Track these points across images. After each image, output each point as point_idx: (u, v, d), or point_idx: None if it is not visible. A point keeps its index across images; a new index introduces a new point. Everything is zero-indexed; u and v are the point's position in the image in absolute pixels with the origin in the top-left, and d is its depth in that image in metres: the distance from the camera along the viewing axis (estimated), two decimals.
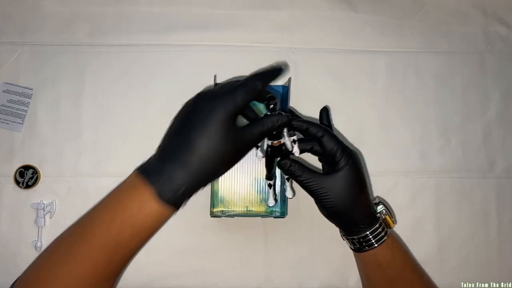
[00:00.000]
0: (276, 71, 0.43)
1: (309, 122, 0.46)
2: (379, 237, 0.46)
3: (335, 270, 0.56)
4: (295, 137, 0.45)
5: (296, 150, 0.45)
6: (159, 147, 0.40)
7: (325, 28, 0.61)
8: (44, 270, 0.39)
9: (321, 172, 0.47)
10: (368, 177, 0.57)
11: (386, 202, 0.57)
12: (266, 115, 0.42)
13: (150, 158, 0.40)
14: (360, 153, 0.58)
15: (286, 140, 0.44)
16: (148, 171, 0.39)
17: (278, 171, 0.53)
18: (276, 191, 0.53)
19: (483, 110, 0.61)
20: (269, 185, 0.51)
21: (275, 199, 0.52)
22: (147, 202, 0.37)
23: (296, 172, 0.44)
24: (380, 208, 0.48)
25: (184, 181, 0.37)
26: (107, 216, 0.38)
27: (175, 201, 0.38)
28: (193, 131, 0.38)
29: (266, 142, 0.45)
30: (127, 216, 0.37)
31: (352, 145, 0.58)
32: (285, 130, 0.44)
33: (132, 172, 0.40)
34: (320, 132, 0.45)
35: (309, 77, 0.59)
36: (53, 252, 0.40)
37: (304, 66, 0.59)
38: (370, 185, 0.57)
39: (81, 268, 0.38)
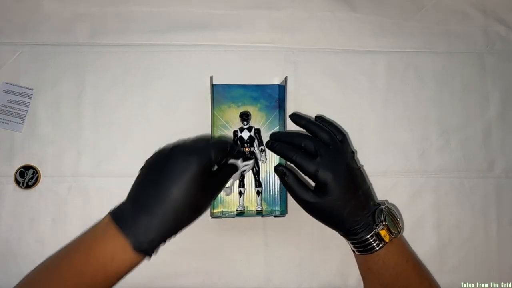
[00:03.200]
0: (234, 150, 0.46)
1: (282, 148, 0.48)
2: (369, 247, 0.46)
3: (335, 270, 0.56)
4: (263, 147, 0.55)
5: (263, 158, 0.55)
6: (132, 195, 0.41)
7: (325, 28, 0.61)
8: None
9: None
10: (366, 185, 0.50)
11: (395, 208, 0.55)
12: (229, 164, 0.47)
13: (123, 205, 0.41)
14: (356, 152, 0.58)
15: (256, 149, 0.55)
16: (122, 221, 0.39)
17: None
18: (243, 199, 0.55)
19: (482, 110, 0.61)
20: (240, 193, 0.55)
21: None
22: (121, 252, 0.38)
23: (289, 182, 0.47)
24: (378, 221, 0.46)
25: (158, 232, 0.39)
26: (80, 261, 0.39)
27: (149, 250, 0.39)
28: (169, 182, 0.39)
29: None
30: (101, 263, 0.38)
31: (352, 145, 0.58)
32: (255, 141, 0.55)
33: (104, 218, 0.41)
34: (292, 157, 0.47)
35: (309, 77, 0.59)
36: None
37: (304, 66, 0.59)
38: (370, 190, 0.50)
39: None
